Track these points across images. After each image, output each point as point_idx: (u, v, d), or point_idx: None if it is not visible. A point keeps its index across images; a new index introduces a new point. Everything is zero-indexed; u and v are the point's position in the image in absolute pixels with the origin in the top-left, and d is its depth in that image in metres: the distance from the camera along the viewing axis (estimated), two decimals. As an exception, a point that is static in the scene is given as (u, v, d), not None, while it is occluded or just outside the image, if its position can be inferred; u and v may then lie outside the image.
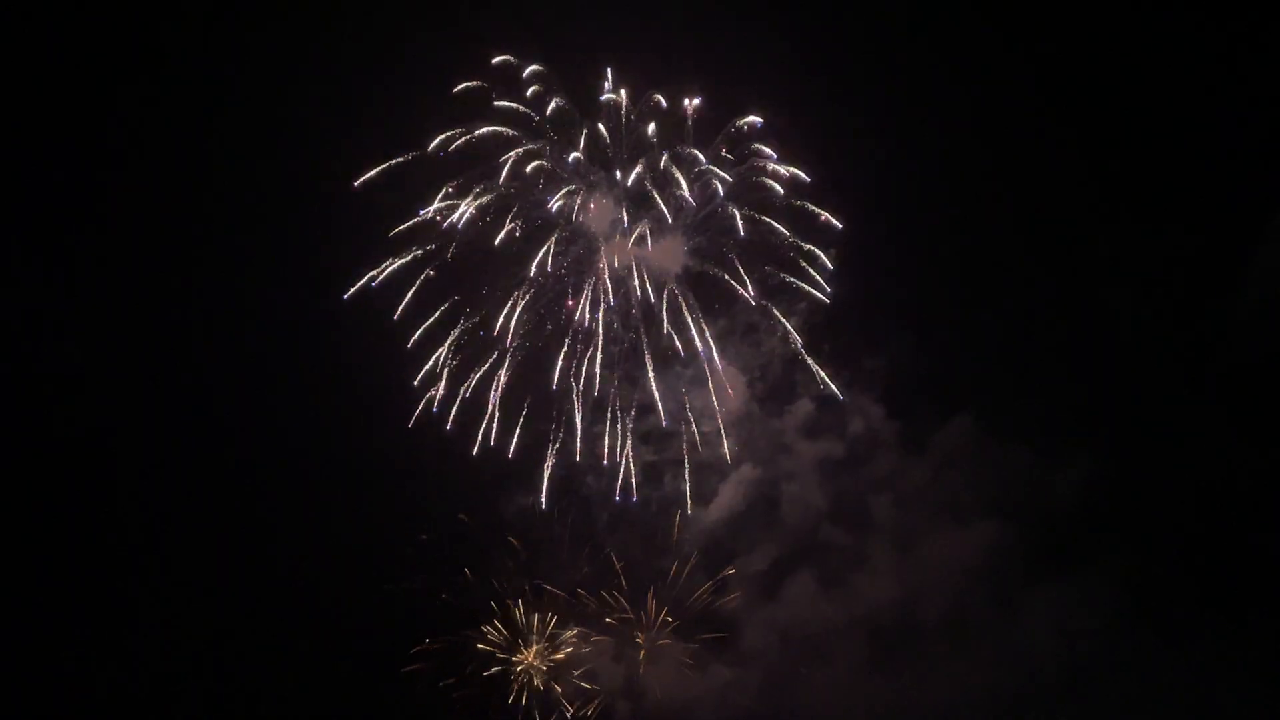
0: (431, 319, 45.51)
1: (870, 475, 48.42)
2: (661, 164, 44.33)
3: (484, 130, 44.95)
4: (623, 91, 44.60)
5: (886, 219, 47.39)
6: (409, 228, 45.16)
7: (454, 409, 45.75)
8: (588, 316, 45.13)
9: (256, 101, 48.61)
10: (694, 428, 46.28)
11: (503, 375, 45.59)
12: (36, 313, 48.84)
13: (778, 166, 44.58)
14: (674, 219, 44.45)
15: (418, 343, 45.63)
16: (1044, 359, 48.93)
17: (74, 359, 48.96)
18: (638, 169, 44.44)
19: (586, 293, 45.22)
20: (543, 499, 46.51)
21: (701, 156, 44.32)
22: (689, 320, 45.02)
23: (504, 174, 44.65)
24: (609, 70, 44.60)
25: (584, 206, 44.91)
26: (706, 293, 45.52)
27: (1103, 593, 46.73)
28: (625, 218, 44.66)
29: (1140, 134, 48.71)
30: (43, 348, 49.22)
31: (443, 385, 45.70)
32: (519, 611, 48.10)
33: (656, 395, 45.37)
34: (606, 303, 45.04)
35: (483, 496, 48.05)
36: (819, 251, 44.89)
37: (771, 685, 48.39)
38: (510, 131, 44.94)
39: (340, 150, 46.12)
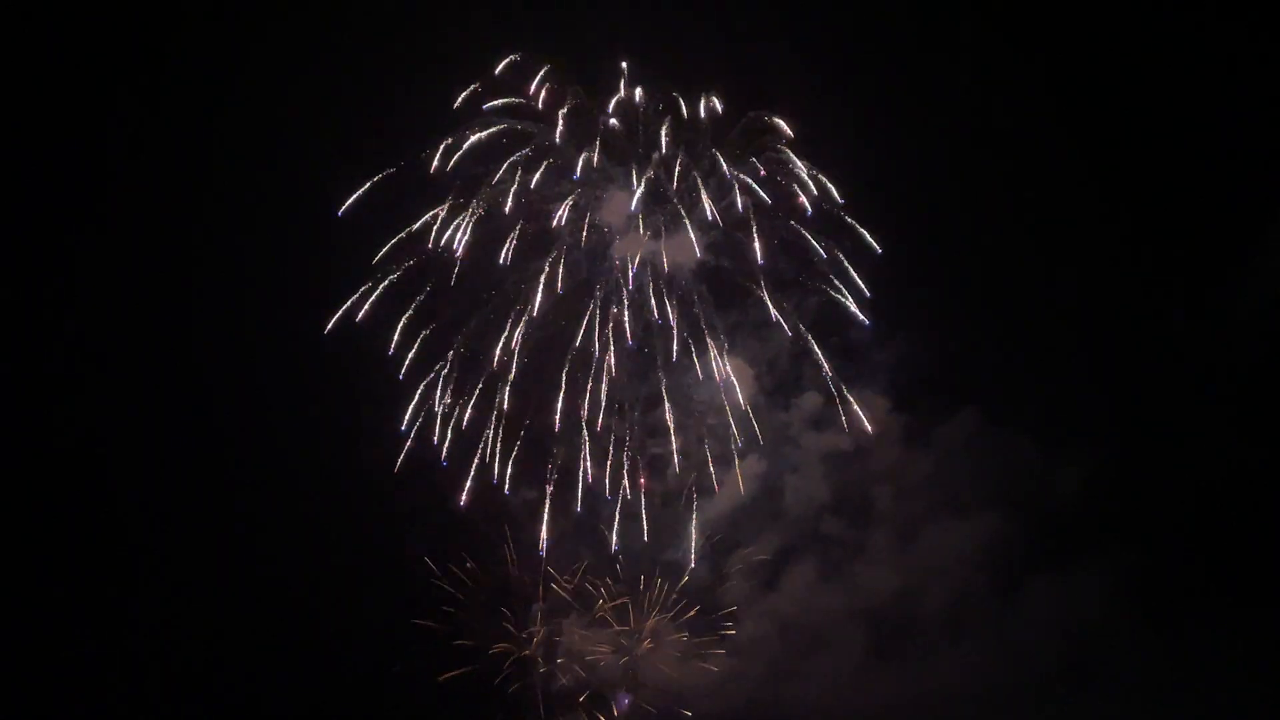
0: (414, 350, 44.75)
1: (874, 467, 48.57)
2: (677, 165, 44.05)
3: (487, 134, 44.26)
4: (639, 90, 44.22)
5: (892, 219, 47.05)
6: (400, 250, 44.36)
7: (446, 442, 45.30)
8: (596, 334, 44.45)
9: (248, 108, 48.00)
10: (700, 420, 46.33)
11: (503, 407, 44.97)
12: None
13: (805, 176, 44.65)
14: (690, 215, 44.00)
15: (410, 375, 45.11)
16: (1050, 354, 49.29)
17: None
18: (650, 173, 44.04)
19: (595, 308, 44.66)
20: (543, 541, 46.51)
21: (723, 163, 44.09)
22: (700, 315, 45.03)
23: (510, 190, 43.68)
24: (624, 65, 44.16)
25: (594, 209, 44.32)
26: (719, 286, 45.45)
27: (1103, 586, 47.10)
28: (640, 223, 44.21)
29: (1146, 131, 49.06)
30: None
31: (436, 424, 45.12)
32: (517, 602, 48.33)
33: (664, 390, 45.43)
34: (618, 311, 44.38)
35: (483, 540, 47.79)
36: (857, 277, 45.21)
37: (771, 675, 48.45)
38: (519, 125, 44.29)
39: (326, 165, 45.19)
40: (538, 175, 44.09)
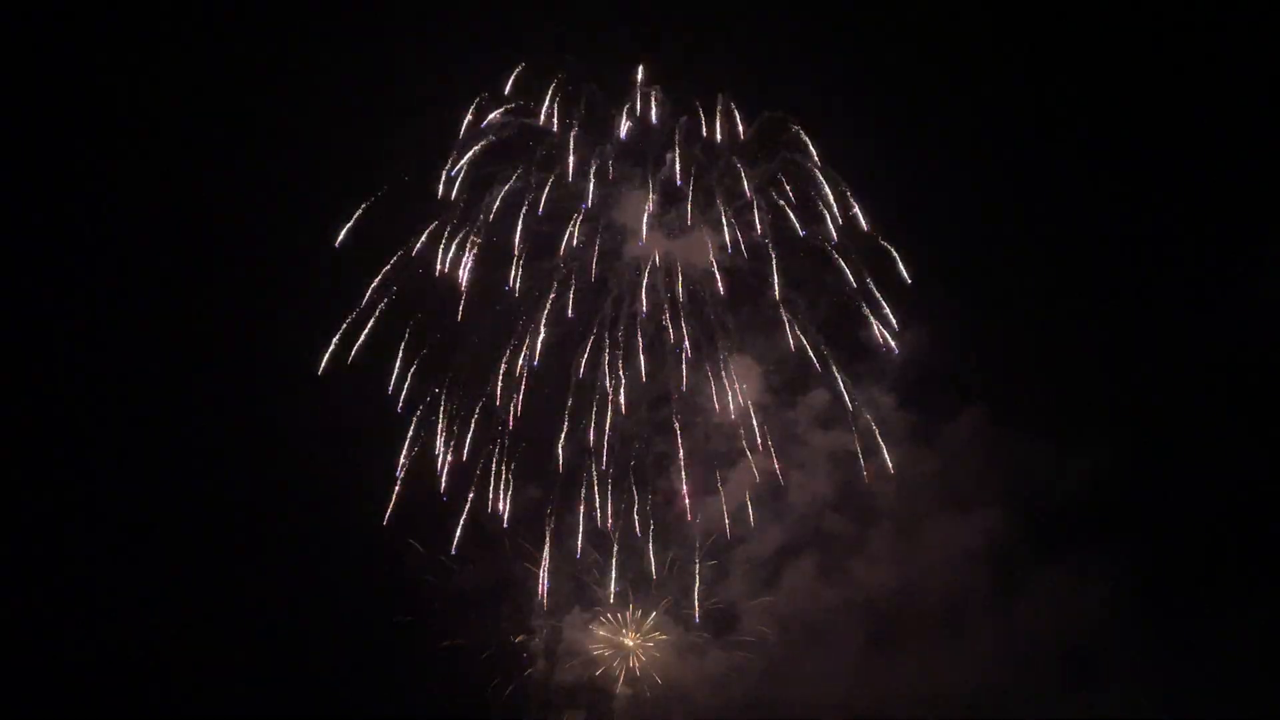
0: (408, 381, 43.54)
1: (879, 465, 47.77)
2: (690, 180, 43.29)
3: (493, 153, 43.20)
4: (654, 93, 43.27)
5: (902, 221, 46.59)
6: (399, 277, 43.04)
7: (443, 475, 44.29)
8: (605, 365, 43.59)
9: (240, 131, 46.75)
10: (706, 418, 45.95)
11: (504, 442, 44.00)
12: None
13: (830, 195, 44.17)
14: (707, 227, 43.57)
15: (408, 408, 43.96)
16: (1056, 351, 49.10)
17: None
18: (664, 180, 43.25)
19: (604, 336, 43.86)
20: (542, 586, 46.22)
21: (745, 183, 43.61)
22: (712, 316, 44.70)
23: (520, 214, 42.52)
24: (639, 71, 43.12)
25: (605, 225, 43.42)
26: (733, 287, 44.79)
27: (1106, 582, 46.84)
28: (649, 234, 43.44)
29: (1155, 129, 48.94)
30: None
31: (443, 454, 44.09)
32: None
33: (670, 388, 44.99)
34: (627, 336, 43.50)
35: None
36: (886, 307, 44.91)
37: (772, 671, 48.14)
38: (529, 142, 43.14)
39: (323, 190, 43.90)
40: (545, 194, 43.15)
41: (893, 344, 45.26)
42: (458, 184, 43.09)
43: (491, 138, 43.28)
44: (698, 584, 47.46)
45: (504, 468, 44.34)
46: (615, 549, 46.11)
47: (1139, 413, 48.38)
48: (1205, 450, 47.54)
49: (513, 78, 43.03)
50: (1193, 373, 48.27)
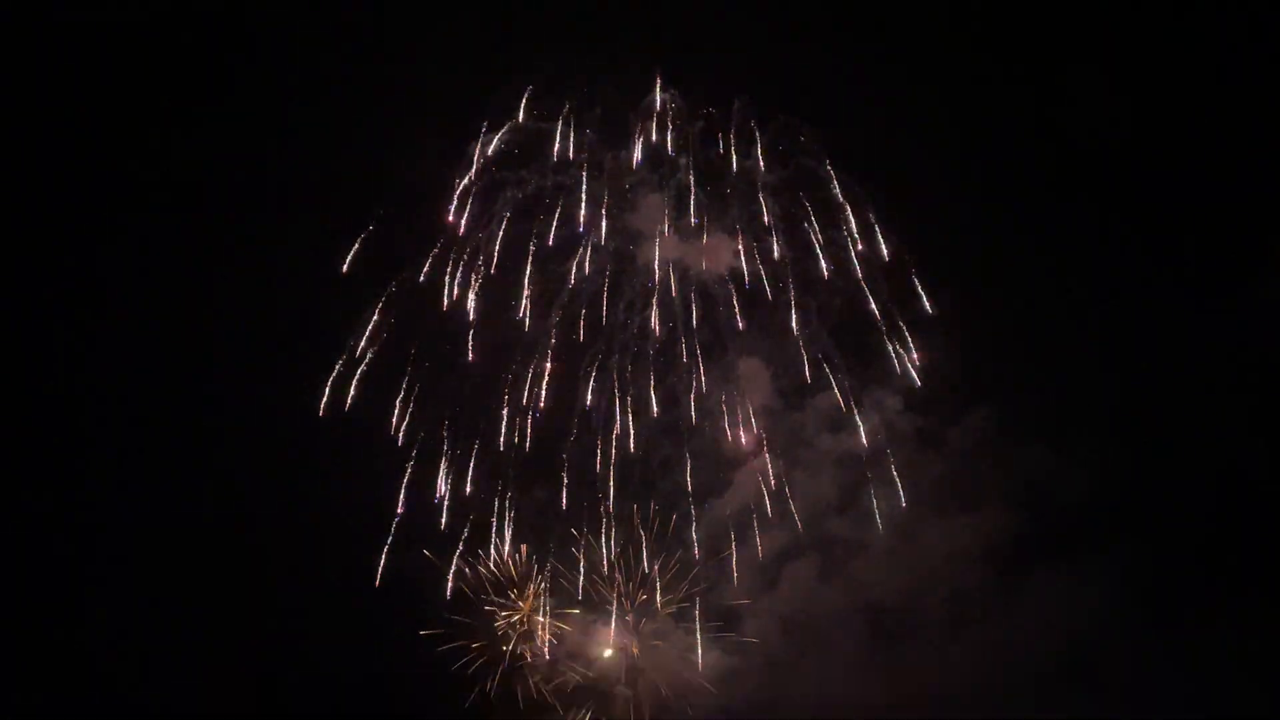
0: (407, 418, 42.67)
1: (884, 467, 47.68)
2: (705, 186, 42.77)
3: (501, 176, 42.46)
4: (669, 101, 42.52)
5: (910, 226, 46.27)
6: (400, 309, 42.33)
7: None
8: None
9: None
10: (713, 421, 45.60)
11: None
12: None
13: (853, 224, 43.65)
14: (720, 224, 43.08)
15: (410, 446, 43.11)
16: (1063, 355, 48.85)
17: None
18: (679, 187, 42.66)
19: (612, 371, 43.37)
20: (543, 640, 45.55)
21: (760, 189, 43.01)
22: (723, 322, 44.31)
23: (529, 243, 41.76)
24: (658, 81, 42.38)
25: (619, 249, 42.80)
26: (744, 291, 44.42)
27: (1107, 584, 47.01)
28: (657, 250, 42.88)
29: (1160, 134, 48.49)
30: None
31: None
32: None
33: (679, 392, 44.57)
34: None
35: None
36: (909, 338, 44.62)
37: (773, 673, 48.10)
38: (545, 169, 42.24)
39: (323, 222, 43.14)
40: (556, 220, 42.35)
41: (915, 378, 45.20)
42: (466, 212, 42.39)
43: (498, 165, 42.56)
44: (699, 586, 47.34)
45: (506, 506, 43.92)
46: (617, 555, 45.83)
47: (1142, 417, 48.37)
48: (1208, 454, 47.64)
49: (523, 101, 42.12)
50: (1197, 377, 48.32)
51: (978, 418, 48.20)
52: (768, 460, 46.82)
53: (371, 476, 43.56)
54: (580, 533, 44.90)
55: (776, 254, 43.58)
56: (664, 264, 43.47)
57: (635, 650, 47.67)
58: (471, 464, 43.21)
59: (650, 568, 46.86)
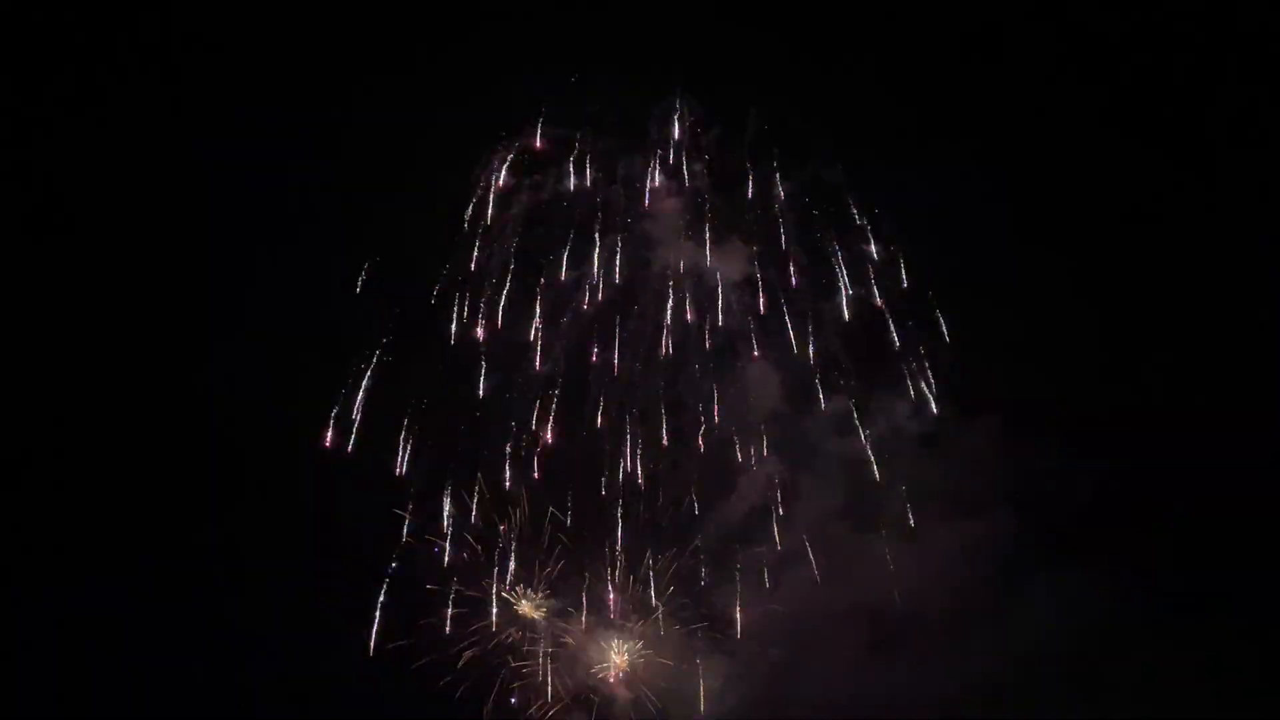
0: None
1: (889, 471, 47.56)
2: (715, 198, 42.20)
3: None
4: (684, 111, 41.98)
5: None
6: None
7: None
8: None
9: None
10: (718, 424, 45.16)
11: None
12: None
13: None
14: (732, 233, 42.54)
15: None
16: (1068, 358, 48.59)
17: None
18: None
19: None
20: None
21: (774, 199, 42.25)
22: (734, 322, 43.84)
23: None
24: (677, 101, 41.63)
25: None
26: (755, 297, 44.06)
27: (1111, 588, 46.78)
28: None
29: (1167, 140, 48.21)
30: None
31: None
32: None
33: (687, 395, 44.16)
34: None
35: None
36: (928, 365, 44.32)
37: (773, 676, 47.80)
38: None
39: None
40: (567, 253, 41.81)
41: (934, 407, 45.22)
42: (475, 247, 41.63)
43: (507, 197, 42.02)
44: (700, 588, 46.97)
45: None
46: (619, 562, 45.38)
47: (1148, 420, 47.84)
48: (1212, 456, 47.28)
49: (539, 129, 41.48)
50: (1202, 378, 48.11)
51: (984, 422, 47.78)
52: (773, 464, 46.55)
53: (372, 510, 42.77)
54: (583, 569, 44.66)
55: (791, 262, 43.55)
56: (677, 272, 43.08)
57: (629, 659, 47.23)
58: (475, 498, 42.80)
59: (654, 580, 46.25)
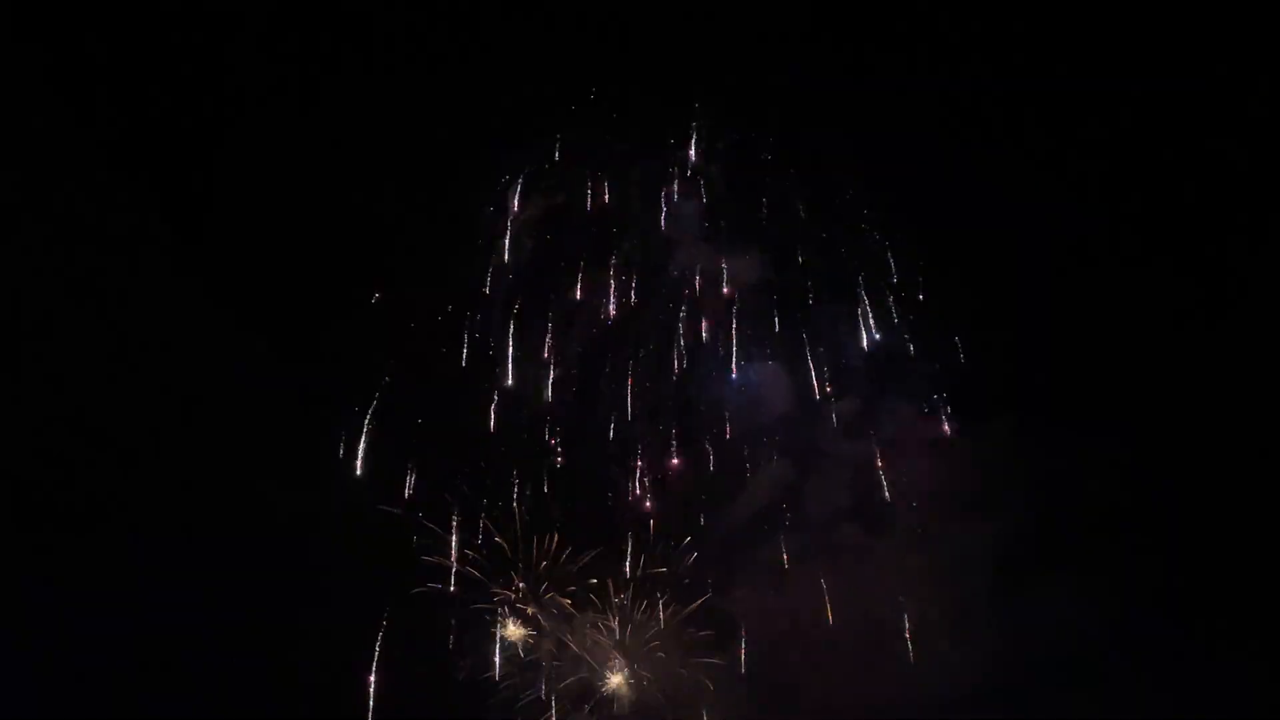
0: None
1: (898, 473, 47.78)
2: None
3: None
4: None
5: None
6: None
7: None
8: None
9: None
10: (729, 427, 45.32)
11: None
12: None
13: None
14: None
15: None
16: (1079, 360, 48.37)
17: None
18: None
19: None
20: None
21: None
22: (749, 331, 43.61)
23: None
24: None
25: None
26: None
27: (1114, 588, 46.70)
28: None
29: (1176, 139, 47.67)
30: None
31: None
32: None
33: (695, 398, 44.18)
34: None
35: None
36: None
37: (774, 678, 47.95)
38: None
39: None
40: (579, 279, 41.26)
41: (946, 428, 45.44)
42: (489, 276, 41.05)
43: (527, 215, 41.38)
44: (700, 587, 46.71)
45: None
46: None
47: (1156, 420, 47.76)
48: (1217, 457, 47.45)
49: (558, 153, 41.01)
50: (1208, 379, 47.92)
51: (996, 424, 47.60)
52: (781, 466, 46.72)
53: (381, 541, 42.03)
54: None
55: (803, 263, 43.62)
56: (692, 280, 43.13)
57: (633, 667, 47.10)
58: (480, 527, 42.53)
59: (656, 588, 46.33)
